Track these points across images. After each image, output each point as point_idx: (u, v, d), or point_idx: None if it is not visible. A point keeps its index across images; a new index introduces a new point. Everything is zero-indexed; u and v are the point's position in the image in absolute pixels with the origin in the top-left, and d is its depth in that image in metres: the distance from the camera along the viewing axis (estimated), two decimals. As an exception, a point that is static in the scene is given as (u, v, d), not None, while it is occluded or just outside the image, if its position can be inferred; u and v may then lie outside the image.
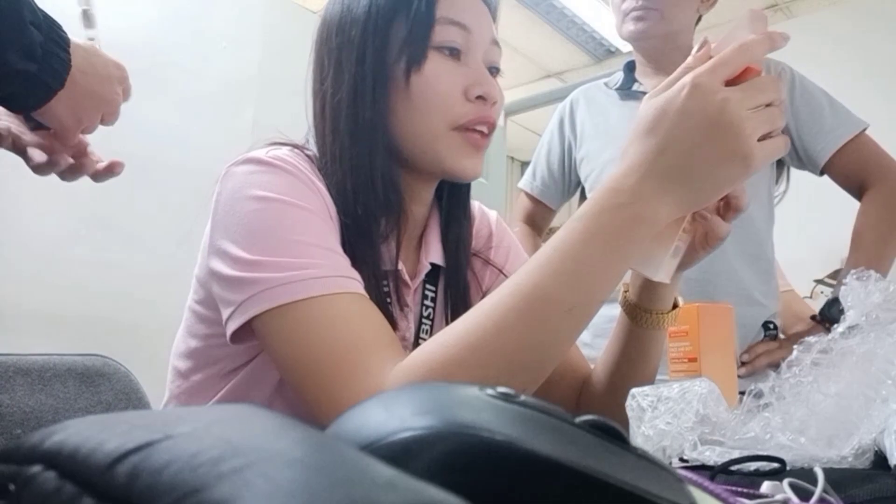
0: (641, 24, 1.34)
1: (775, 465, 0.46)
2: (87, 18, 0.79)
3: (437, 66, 0.68)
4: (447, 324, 0.76)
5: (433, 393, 0.26)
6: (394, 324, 0.67)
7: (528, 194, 1.61)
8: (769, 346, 1.30)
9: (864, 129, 1.34)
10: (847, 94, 1.41)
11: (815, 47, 3.03)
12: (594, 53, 4.04)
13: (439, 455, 0.22)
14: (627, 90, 1.46)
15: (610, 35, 3.99)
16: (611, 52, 4.07)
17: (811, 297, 2.33)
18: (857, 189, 1.34)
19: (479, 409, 0.24)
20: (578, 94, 1.56)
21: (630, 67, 1.49)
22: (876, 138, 1.35)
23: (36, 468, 0.19)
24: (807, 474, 0.39)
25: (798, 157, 1.37)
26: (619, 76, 1.51)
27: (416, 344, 0.75)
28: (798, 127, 1.34)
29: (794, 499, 0.36)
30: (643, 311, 0.71)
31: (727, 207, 0.66)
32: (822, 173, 1.36)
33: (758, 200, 1.36)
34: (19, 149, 0.75)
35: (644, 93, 1.18)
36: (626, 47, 2.04)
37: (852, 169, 1.33)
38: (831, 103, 1.36)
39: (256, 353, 0.67)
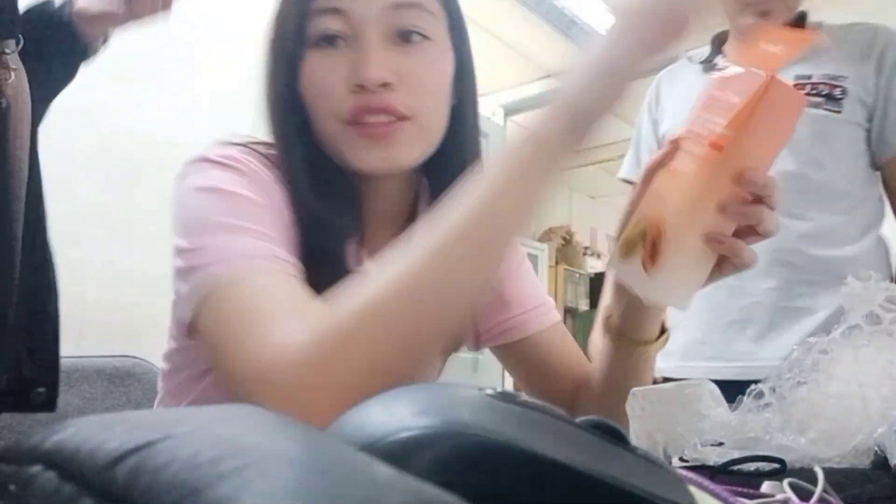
0: (768, 16, 1.23)
1: (775, 465, 0.46)
2: None
3: (312, 66, 0.64)
4: None
5: (433, 393, 0.26)
6: None
7: (630, 182, 1.48)
8: None
9: None
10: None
11: (816, 47, 3.02)
12: (594, 53, 4.04)
13: (439, 455, 0.22)
14: (710, 63, 1.36)
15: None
16: (611, 52, 4.07)
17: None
18: None
19: (479, 409, 0.24)
20: (662, 76, 1.47)
21: (719, 41, 1.39)
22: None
23: (36, 468, 0.19)
24: (807, 474, 0.39)
25: (870, 136, 1.22)
26: (705, 50, 1.41)
27: None
28: (886, 104, 1.19)
29: (794, 499, 0.37)
30: (628, 341, 0.68)
31: (751, 232, 0.59)
32: (879, 168, 1.23)
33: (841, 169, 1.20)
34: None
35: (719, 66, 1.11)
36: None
37: None
38: None
39: None
